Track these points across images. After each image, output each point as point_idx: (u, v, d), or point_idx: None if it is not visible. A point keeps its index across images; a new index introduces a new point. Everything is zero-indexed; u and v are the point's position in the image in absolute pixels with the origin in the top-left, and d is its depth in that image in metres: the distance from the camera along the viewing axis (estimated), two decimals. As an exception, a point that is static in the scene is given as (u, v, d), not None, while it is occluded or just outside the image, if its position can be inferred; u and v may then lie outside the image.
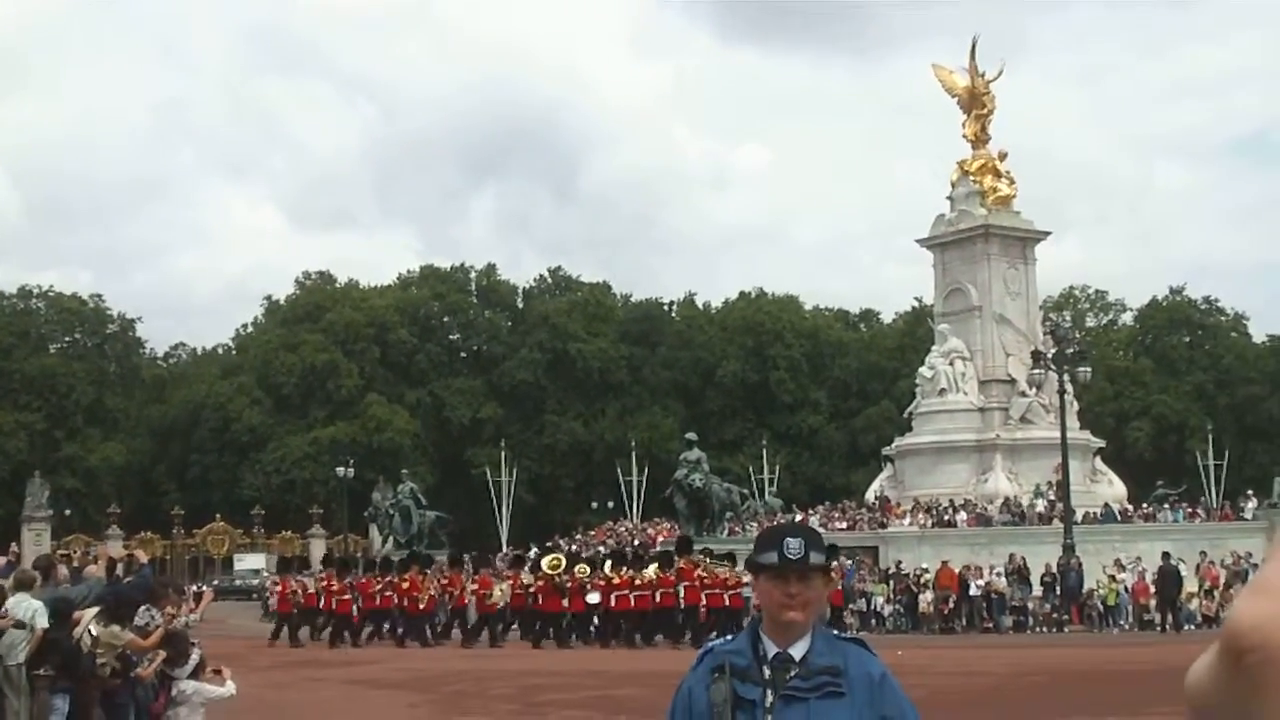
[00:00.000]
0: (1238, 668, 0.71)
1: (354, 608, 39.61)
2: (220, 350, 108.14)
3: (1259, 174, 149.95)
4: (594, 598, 37.49)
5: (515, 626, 39.66)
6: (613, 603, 37.12)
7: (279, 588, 42.96)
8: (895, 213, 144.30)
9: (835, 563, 41.31)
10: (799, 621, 4.35)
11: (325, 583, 40.87)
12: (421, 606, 39.36)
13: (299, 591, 40.86)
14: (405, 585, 39.38)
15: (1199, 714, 0.77)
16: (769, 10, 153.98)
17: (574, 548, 55.44)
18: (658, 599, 36.58)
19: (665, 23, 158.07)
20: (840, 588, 39.46)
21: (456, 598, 40.06)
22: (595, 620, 38.29)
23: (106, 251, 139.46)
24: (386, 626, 40.23)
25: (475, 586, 39.63)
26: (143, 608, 15.06)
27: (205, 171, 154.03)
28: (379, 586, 39.77)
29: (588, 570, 38.83)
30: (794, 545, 4.35)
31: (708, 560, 37.47)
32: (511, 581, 40.10)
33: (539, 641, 37.05)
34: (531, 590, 38.44)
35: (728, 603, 36.05)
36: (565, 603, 37.64)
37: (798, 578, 4.34)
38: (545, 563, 39.59)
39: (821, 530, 43.74)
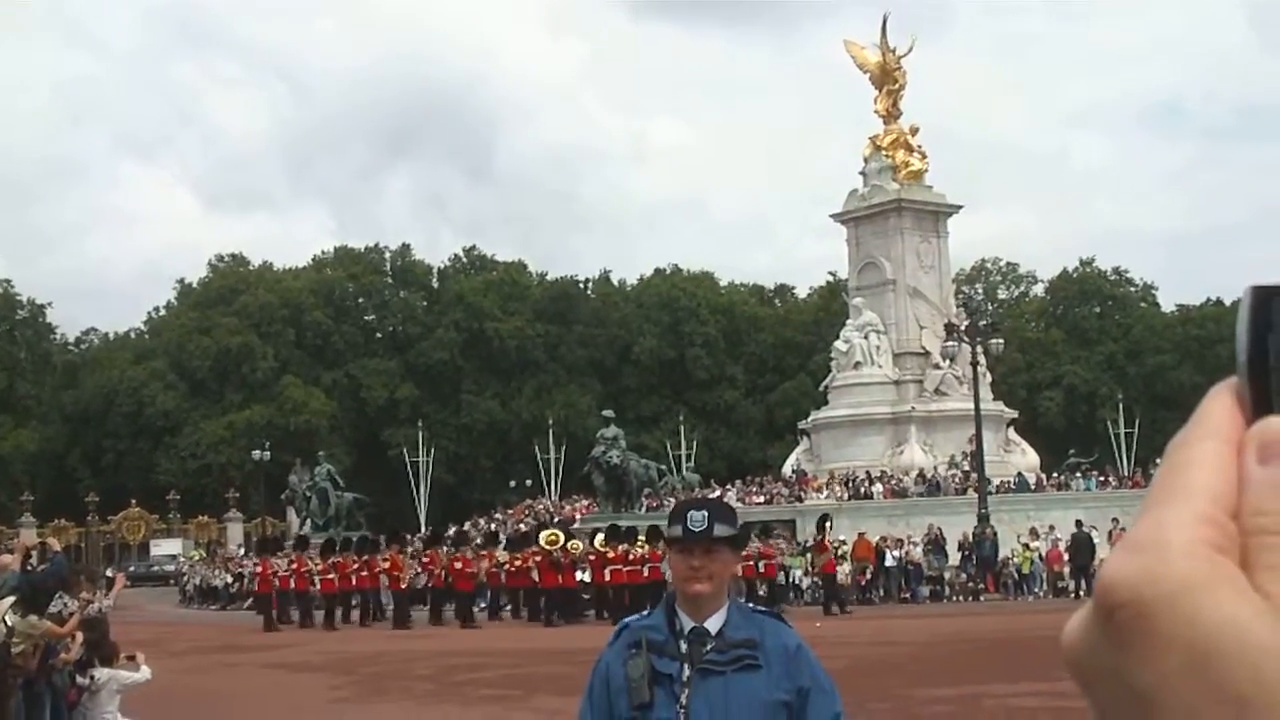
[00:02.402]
0: (1109, 623, 0.71)
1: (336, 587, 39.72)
2: (133, 334, 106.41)
3: (1169, 145, 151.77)
4: (583, 574, 37.72)
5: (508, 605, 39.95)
6: (607, 577, 37.25)
7: (259, 569, 42.69)
8: (812, 187, 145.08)
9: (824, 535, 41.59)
10: (704, 593, 4.42)
11: (297, 565, 40.80)
12: (403, 586, 39.37)
13: (277, 573, 40.77)
14: (387, 564, 39.37)
15: (1073, 669, 0.70)
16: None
17: (493, 527, 55.45)
18: (645, 574, 36.53)
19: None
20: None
21: (436, 576, 39.93)
22: (584, 595, 38.47)
23: (15, 235, 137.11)
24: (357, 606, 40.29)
25: (459, 565, 39.31)
26: (56, 595, 14.96)
27: (115, 153, 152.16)
28: (355, 566, 39.75)
29: (580, 546, 38.96)
30: (697, 518, 4.42)
31: None
32: (488, 559, 40.26)
33: (550, 619, 36.86)
34: (526, 567, 38.55)
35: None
36: (560, 579, 37.74)
37: (702, 550, 4.41)
38: (543, 537, 39.71)
39: (739, 505, 44.12)
